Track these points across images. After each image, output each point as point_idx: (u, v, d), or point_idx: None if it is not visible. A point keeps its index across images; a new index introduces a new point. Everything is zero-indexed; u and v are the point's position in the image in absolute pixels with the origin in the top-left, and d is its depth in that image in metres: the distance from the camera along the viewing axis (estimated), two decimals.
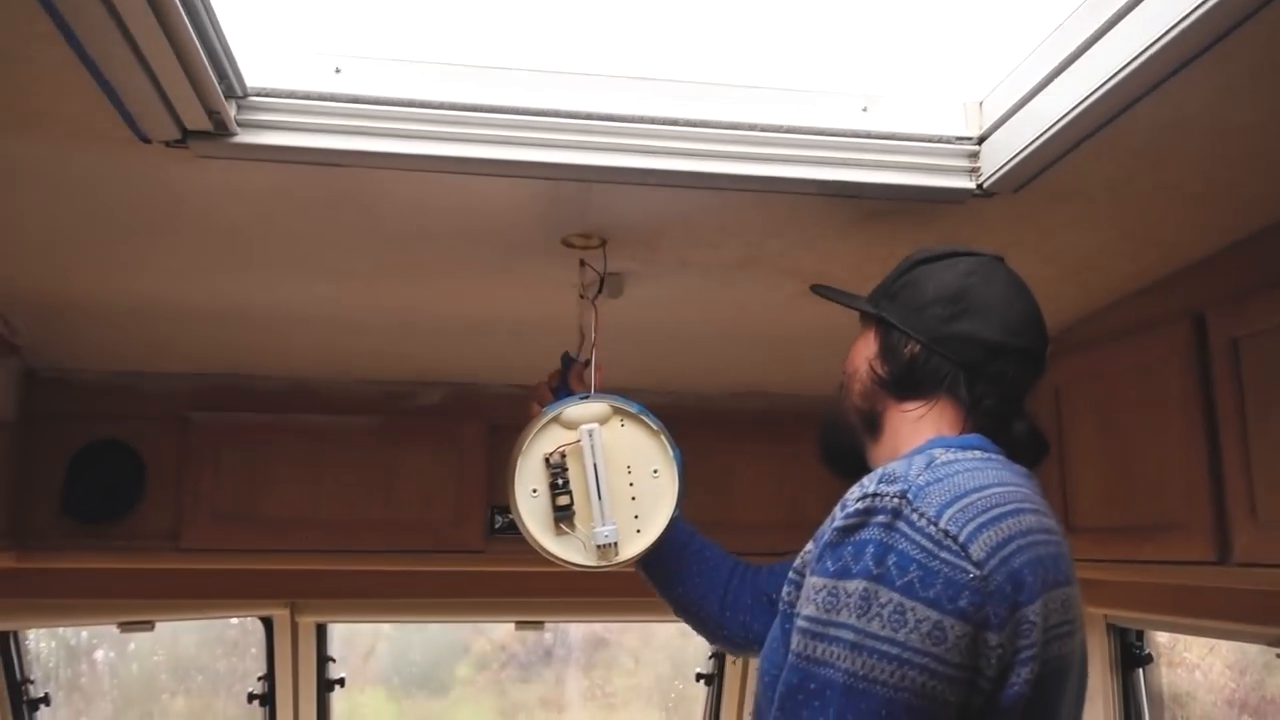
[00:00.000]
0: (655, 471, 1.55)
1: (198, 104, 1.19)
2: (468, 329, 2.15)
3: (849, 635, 1.02)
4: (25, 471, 2.20)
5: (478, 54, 1.37)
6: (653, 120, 1.38)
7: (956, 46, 1.45)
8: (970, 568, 1.03)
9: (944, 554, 1.03)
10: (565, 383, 1.65)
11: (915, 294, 1.30)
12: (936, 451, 1.17)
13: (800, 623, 1.08)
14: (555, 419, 1.54)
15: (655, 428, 1.55)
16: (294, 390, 2.32)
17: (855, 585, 1.03)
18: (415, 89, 1.33)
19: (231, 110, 1.24)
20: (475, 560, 2.33)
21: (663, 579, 1.60)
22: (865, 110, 1.42)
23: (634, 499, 1.54)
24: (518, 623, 2.71)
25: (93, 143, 1.29)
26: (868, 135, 1.41)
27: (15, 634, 2.45)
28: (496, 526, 2.34)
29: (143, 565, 2.25)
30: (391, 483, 2.31)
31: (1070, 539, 2.03)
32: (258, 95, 1.27)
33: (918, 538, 1.04)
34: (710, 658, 2.90)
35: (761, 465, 2.52)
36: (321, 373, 2.32)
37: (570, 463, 1.53)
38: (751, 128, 1.38)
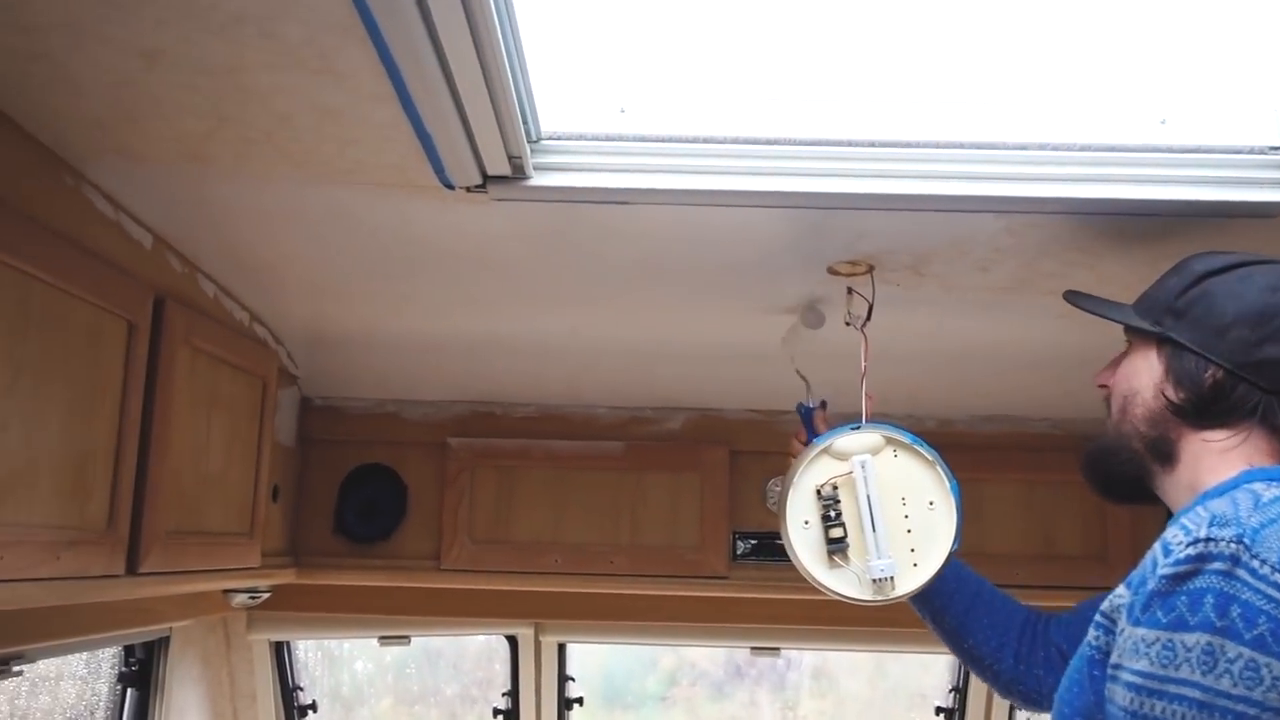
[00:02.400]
0: (931, 503, 1.51)
1: (502, 151, 1.25)
2: (711, 355, 2.16)
3: (1195, 694, 0.96)
4: (302, 494, 2.37)
5: (753, 86, 1.38)
6: (930, 144, 1.35)
7: (1262, 49, 1.35)
8: None
9: None
10: (811, 430, 1.65)
11: (1212, 313, 1.20)
12: (1258, 487, 1.08)
13: (1129, 677, 1.02)
14: (826, 450, 1.52)
15: (930, 458, 1.51)
16: (543, 416, 2.40)
17: (1196, 639, 0.97)
18: (695, 125, 1.35)
19: (528, 154, 1.30)
20: (718, 586, 2.34)
21: (948, 624, 1.56)
22: (1163, 123, 1.35)
23: (909, 531, 1.50)
24: (753, 648, 2.70)
25: (400, 190, 1.37)
26: (1166, 149, 1.34)
27: (287, 644, 2.63)
28: (739, 552, 2.34)
29: (406, 584, 2.37)
30: (636, 507, 2.35)
31: None
32: (550, 139, 1.32)
33: (1262, 586, 0.97)
34: (951, 691, 2.80)
35: (1010, 493, 2.41)
36: (568, 399, 2.39)
37: (843, 494, 1.50)
38: (1041, 147, 1.33)
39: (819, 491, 1.51)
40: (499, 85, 1.10)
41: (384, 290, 1.90)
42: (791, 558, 1.52)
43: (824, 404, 1.69)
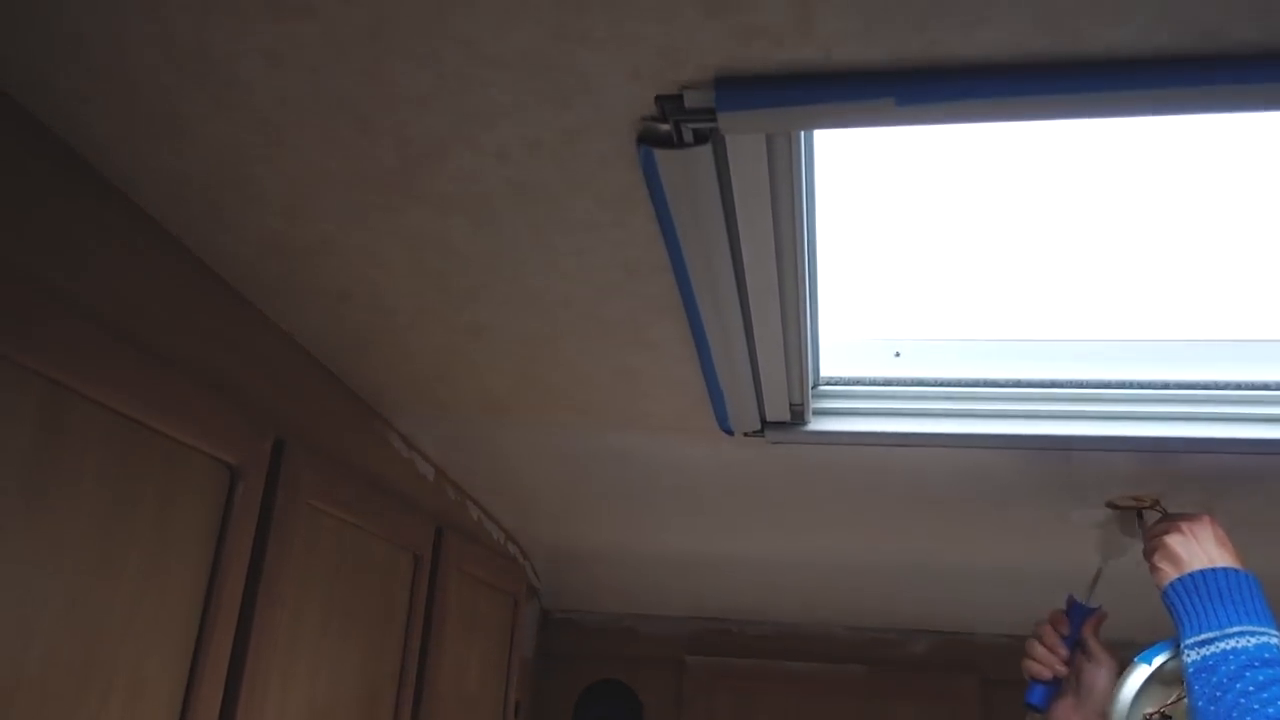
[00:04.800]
0: None
1: (785, 399, 1.27)
2: (961, 575, 2.07)
3: None
4: (539, 706, 2.38)
5: (1033, 327, 1.37)
6: (1230, 385, 1.28)
7: None
8: None
9: None
10: (1075, 631, 1.50)
11: None
12: None
13: None
14: (1156, 674, 1.39)
15: None
16: (781, 635, 2.34)
17: None
18: (972, 367, 1.34)
19: (809, 402, 1.32)
20: None
21: None
22: None
23: None
24: None
25: (675, 435, 1.41)
26: None
27: None
28: None
29: None
30: None
31: None
32: (828, 384, 1.34)
33: None
34: None
35: None
36: (804, 617, 2.33)
37: None
38: None
39: None
40: (794, 344, 1.13)
41: (634, 514, 1.93)
42: None
43: (1103, 614, 1.52)
